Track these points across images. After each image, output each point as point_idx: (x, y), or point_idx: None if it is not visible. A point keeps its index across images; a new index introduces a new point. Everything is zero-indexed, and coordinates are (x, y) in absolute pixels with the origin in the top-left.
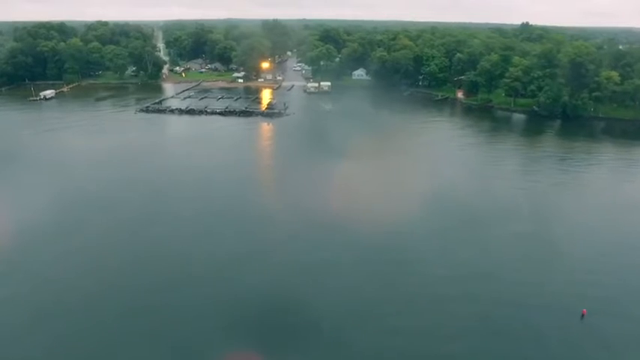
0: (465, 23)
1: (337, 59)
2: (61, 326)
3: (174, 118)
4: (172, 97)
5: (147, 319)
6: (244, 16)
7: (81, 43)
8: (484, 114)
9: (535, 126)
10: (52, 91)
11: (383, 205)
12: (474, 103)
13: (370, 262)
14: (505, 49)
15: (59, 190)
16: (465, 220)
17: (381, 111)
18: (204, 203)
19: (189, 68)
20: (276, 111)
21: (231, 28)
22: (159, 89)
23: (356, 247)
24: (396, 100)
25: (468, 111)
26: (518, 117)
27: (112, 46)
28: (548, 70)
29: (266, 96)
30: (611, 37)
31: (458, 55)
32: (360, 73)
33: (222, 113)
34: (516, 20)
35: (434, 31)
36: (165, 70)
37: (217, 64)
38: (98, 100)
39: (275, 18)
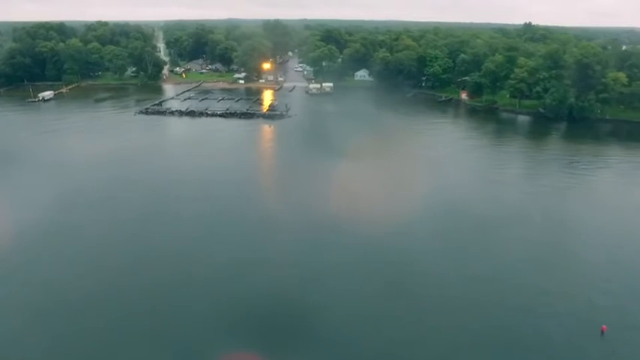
0: (465, 23)
1: (339, 60)
2: (62, 326)
3: (174, 120)
4: (172, 98)
5: (147, 320)
6: (245, 16)
7: (80, 44)
8: (489, 116)
9: (541, 128)
10: (51, 92)
11: (386, 208)
12: (479, 104)
13: (374, 264)
14: (509, 49)
15: (54, 193)
16: (471, 225)
17: (385, 112)
18: (205, 206)
19: (189, 69)
20: (277, 113)
21: (232, 28)
22: (159, 90)
23: (356, 248)
24: (400, 102)
25: (473, 112)
26: (524, 119)
27: (112, 47)
28: (554, 71)
29: (267, 97)
30: (614, 37)
31: (462, 55)
32: (362, 74)
33: (223, 115)
34: (517, 20)
35: (437, 31)
36: (165, 70)
37: (218, 65)
38: (97, 101)
39: (276, 18)
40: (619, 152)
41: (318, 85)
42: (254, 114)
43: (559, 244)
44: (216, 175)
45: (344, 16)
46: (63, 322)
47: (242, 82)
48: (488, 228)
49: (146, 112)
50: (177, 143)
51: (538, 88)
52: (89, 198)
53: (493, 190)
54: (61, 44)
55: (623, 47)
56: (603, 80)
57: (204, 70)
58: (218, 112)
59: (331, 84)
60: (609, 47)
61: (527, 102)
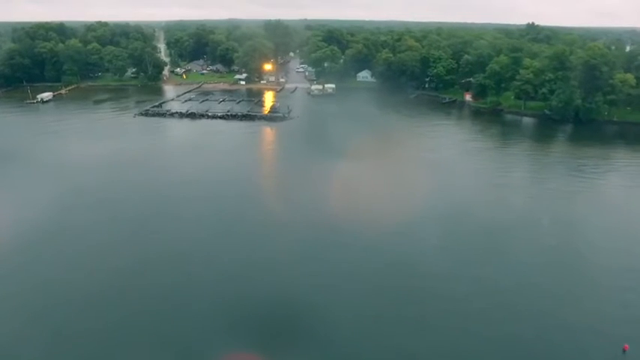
0: (466, 23)
1: (341, 61)
2: (62, 327)
3: (174, 122)
4: (173, 99)
5: (147, 320)
6: (245, 16)
7: (80, 45)
8: (493, 117)
9: (546, 130)
10: (50, 93)
11: (391, 211)
12: (483, 106)
13: (375, 267)
14: (513, 50)
15: (53, 194)
16: (477, 229)
17: (388, 114)
18: (205, 207)
19: (190, 70)
20: (279, 114)
21: (232, 28)
22: (159, 91)
23: (357, 250)
24: (403, 103)
25: (477, 114)
26: (529, 121)
27: (112, 47)
28: (560, 72)
29: (269, 99)
30: (616, 37)
31: (465, 56)
32: (364, 75)
33: (224, 117)
34: (518, 20)
35: (439, 31)
36: (165, 71)
37: (219, 66)
38: (96, 102)
39: (277, 18)
40: (627, 155)
41: (320, 87)
42: (255, 116)
43: (569, 249)
44: (217, 178)
45: (344, 16)
46: (63, 322)
47: (243, 83)
48: (494, 232)
49: (146, 114)
50: (177, 146)
51: (544, 90)
52: (89, 199)
53: (498, 193)
54: (61, 45)
55: (627, 47)
56: (611, 82)
57: (204, 71)
58: (219, 114)
59: (333, 85)
60: (613, 47)
61: (532, 104)
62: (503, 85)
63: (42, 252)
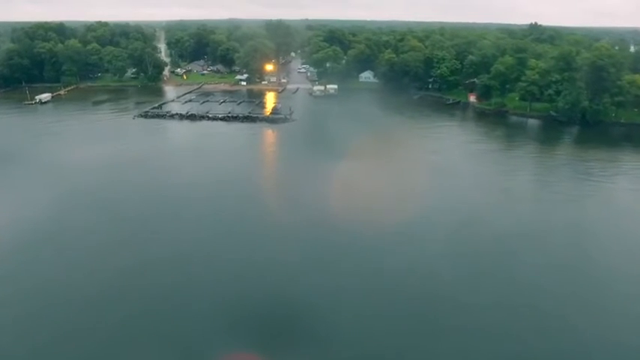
0: (468, 23)
1: (343, 61)
2: (62, 327)
3: (174, 124)
4: (173, 100)
5: (147, 320)
6: (246, 16)
7: (79, 45)
8: (498, 119)
9: (553, 132)
10: (49, 94)
11: (395, 214)
12: (487, 107)
13: (377, 270)
14: (518, 50)
15: (52, 195)
16: (484, 233)
17: (391, 115)
18: (206, 209)
19: (190, 70)
20: (281, 116)
21: (233, 28)
22: (159, 92)
23: (358, 251)
24: (406, 104)
25: (481, 116)
26: (535, 122)
27: (112, 48)
28: (566, 73)
29: (270, 100)
30: (618, 37)
31: (470, 57)
32: (367, 76)
33: (225, 119)
34: (519, 20)
35: (442, 32)
36: (166, 72)
37: (219, 66)
38: (95, 103)
39: (278, 18)
40: (635, 158)
41: (322, 87)
42: (257, 117)
43: (582, 255)
44: (217, 179)
45: (345, 16)
46: (63, 322)
47: (244, 83)
48: (501, 236)
49: (145, 115)
50: (178, 148)
51: (550, 91)
52: (88, 199)
53: (503, 196)
54: (60, 45)
55: (631, 48)
56: (618, 83)
57: (205, 72)
58: (219, 116)
59: (335, 86)
60: (617, 48)
61: (537, 105)
62: (508, 86)
63: (42, 252)
